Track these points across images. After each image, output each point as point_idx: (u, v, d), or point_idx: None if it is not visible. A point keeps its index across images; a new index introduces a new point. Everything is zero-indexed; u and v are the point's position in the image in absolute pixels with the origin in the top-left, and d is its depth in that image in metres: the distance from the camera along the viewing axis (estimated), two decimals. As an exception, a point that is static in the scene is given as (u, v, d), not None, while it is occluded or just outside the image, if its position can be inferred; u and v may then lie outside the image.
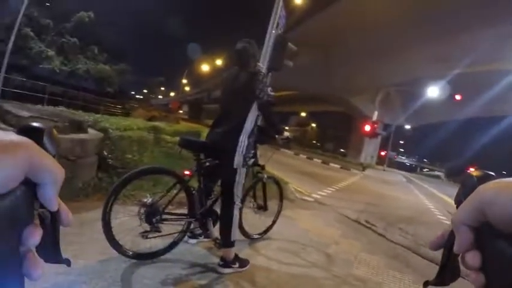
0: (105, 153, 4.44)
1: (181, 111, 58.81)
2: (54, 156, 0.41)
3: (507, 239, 0.30)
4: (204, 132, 8.36)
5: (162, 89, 65.84)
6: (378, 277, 3.38)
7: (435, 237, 0.40)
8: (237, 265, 2.76)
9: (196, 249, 3.03)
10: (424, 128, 50.28)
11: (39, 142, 0.39)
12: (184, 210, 2.82)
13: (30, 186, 0.34)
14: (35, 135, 0.39)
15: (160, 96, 74.18)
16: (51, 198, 0.34)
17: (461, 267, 0.37)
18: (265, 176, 3.54)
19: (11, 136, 0.31)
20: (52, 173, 0.33)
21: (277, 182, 3.93)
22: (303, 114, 67.18)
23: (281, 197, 3.98)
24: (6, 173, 0.29)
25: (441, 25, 19.64)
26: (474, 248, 0.33)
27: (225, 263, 2.71)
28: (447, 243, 0.38)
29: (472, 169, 0.40)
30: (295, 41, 7.33)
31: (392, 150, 56.19)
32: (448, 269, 0.39)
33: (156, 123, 8.04)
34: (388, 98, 36.54)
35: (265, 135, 3.15)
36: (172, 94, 65.20)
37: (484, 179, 0.35)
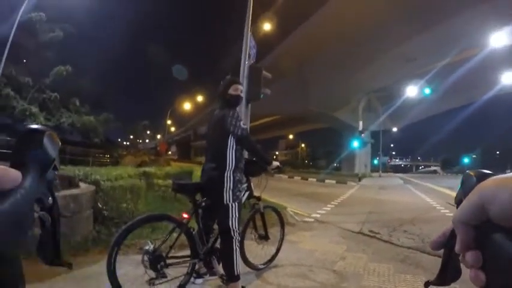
0: (100, 205, 4.43)
1: (170, 152, 58.67)
2: (54, 159, 0.45)
3: (508, 236, 0.30)
4: (196, 170, 8.36)
5: (148, 132, 65.89)
6: (389, 284, 3.37)
7: (436, 236, 0.40)
8: None
9: (204, 288, 3.01)
10: (410, 127, 50.97)
11: (40, 144, 0.42)
12: (187, 252, 2.82)
13: (30, 189, 0.37)
14: (35, 137, 0.43)
15: (147, 140, 74.15)
16: None
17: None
18: (262, 206, 3.56)
19: None
20: None
21: (275, 210, 3.95)
22: (291, 136, 67.63)
23: (282, 223, 3.99)
24: None
25: (407, 25, 20.25)
26: (475, 246, 0.33)
27: (234, 298, 2.69)
28: (448, 242, 0.39)
29: (470, 169, 0.41)
30: (269, 68, 7.52)
31: (385, 155, 56.63)
32: (449, 268, 0.40)
33: (147, 169, 8.03)
34: (370, 106, 37.16)
35: (255, 167, 3.20)
36: (158, 136, 65.36)
37: (483, 177, 0.36)
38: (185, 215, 2.75)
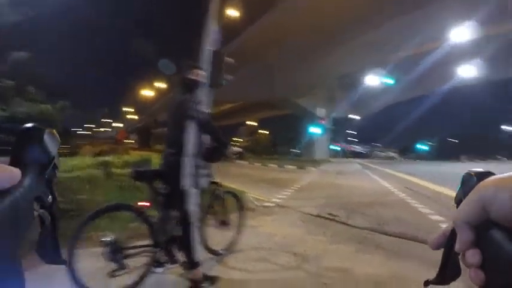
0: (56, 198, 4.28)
1: (130, 141, 57.15)
2: (54, 157, 0.44)
3: (508, 236, 0.30)
4: (155, 158, 8.23)
5: (109, 120, 63.88)
6: (349, 263, 3.51)
7: (436, 236, 0.40)
8: (207, 284, 2.78)
9: (165, 277, 2.99)
10: (373, 116, 52.58)
11: (40, 141, 0.42)
12: (147, 241, 2.80)
13: (29, 188, 0.37)
14: (35, 134, 0.42)
15: (108, 129, 71.77)
16: None
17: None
18: (222, 191, 3.60)
19: None
20: None
21: (235, 195, 3.99)
22: (254, 123, 67.64)
23: (241, 209, 4.04)
24: None
25: (377, 13, 20.62)
26: (475, 246, 0.33)
27: (195, 284, 2.72)
28: (448, 242, 0.38)
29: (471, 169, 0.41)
30: (234, 53, 7.45)
31: (346, 142, 58.25)
32: (449, 267, 0.39)
33: (105, 158, 7.81)
34: (333, 93, 37.84)
35: (215, 153, 3.21)
36: (121, 125, 63.41)
37: (483, 177, 0.36)
38: (145, 204, 2.72)
